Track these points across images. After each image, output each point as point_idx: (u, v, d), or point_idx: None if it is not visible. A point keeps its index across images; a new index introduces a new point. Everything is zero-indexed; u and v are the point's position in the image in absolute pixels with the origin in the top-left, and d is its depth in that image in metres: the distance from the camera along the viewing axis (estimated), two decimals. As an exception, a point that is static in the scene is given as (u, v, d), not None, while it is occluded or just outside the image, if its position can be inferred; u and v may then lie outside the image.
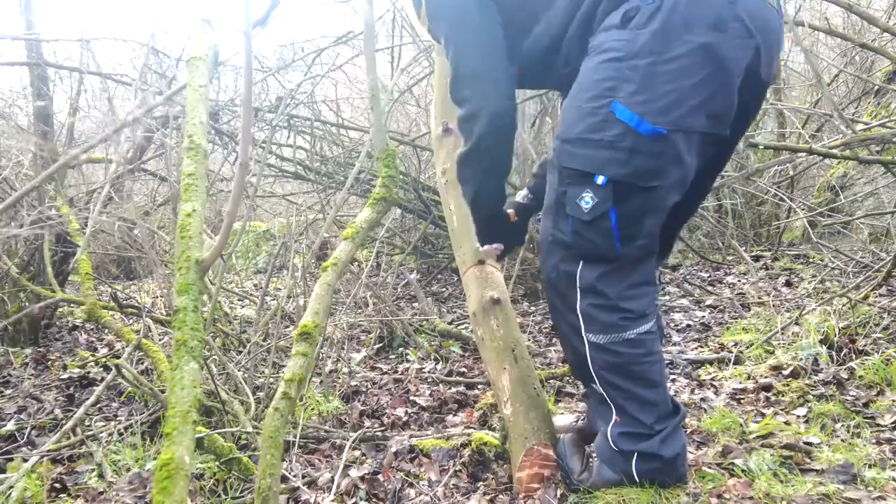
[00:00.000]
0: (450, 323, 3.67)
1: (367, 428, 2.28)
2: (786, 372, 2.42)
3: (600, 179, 1.45)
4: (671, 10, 1.38)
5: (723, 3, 1.38)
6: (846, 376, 2.31)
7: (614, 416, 1.64)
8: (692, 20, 1.37)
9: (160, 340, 2.76)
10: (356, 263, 4.16)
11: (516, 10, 1.64)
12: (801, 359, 2.47)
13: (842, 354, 2.48)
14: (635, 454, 1.63)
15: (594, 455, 1.74)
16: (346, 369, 2.94)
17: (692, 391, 2.41)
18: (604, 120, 1.44)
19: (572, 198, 1.51)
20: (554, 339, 3.35)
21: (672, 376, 2.58)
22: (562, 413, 2.18)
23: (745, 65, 1.44)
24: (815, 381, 2.29)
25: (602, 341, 1.58)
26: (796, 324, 2.84)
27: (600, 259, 1.55)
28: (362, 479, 1.85)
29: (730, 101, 1.46)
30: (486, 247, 1.89)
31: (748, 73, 1.45)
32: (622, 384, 1.60)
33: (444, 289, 4.87)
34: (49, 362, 3.26)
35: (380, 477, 1.87)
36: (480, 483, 1.82)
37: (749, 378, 2.44)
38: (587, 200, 1.48)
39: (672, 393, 1.98)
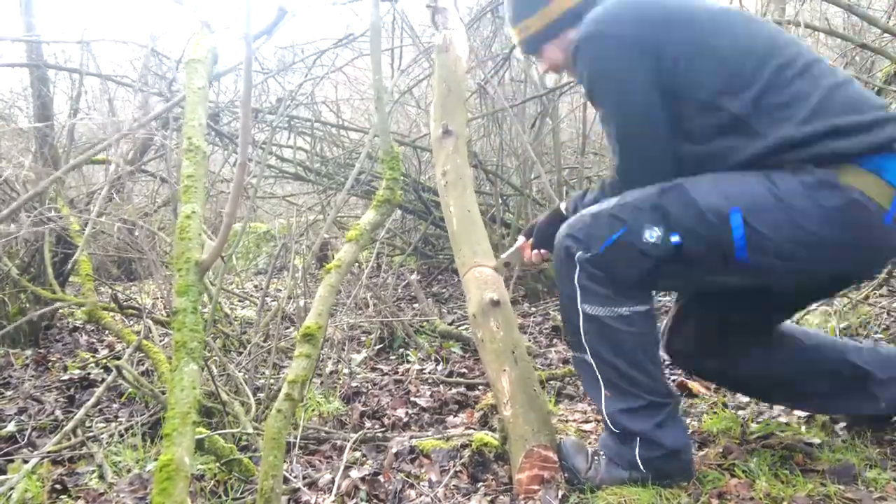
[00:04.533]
0: (450, 324, 3.67)
1: (368, 429, 2.28)
2: (786, 372, 2.41)
3: (675, 238, 1.52)
4: (838, 200, 1.43)
5: (867, 224, 1.44)
6: (847, 377, 2.31)
7: (604, 391, 1.67)
8: (842, 219, 1.43)
9: (161, 341, 2.76)
10: (357, 264, 4.16)
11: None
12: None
13: (842, 355, 2.47)
14: (637, 439, 1.65)
15: (601, 453, 1.74)
16: (346, 370, 2.94)
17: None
18: (718, 208, 1.49)
19: (641, 220, 1.55)
20: (555, 340, 3.35)
21: (672, 376, 2.58)
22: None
23: (843, 272, 1.62)
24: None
25: (596, 313, 1.62)
26: (796, 324, 2.83)
27: (603, 268, 1.62)
28: (363, 479, 1.85)
29: (793, 284, 1.67)
30: (536, 252, 1.99)
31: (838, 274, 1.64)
32: (611, 359, 1.64)
33: (444, 289, 4.87)
34: (49, 363, 3.26)
35: (380, 478, 1.87)
36: (481, 484, 1.82)
37: (749, 378, 2.43)
38: (653, 235, 1.54)
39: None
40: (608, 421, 1.69)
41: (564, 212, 1.88)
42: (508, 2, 1.87)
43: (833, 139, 1.44)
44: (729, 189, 1.51)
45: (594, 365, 1.67)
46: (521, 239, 2.07)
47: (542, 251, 1.98)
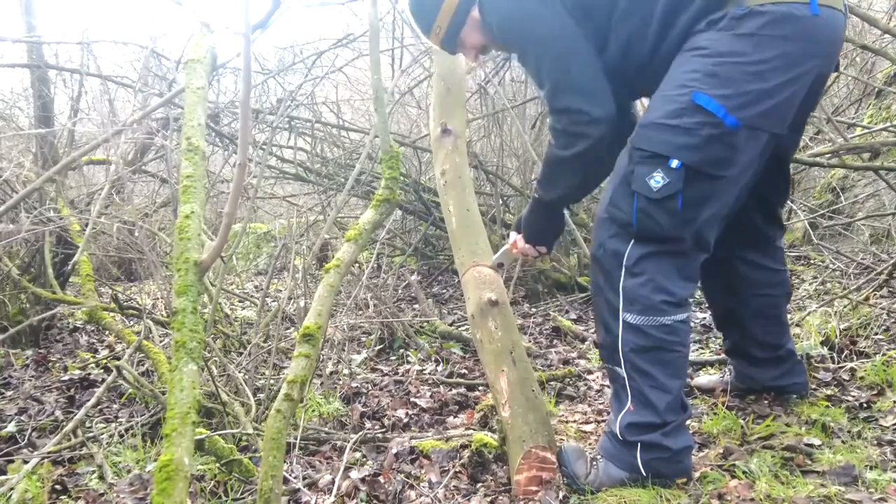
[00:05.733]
0: (450, 324, 3.66)
1: (368, 429, 2.28)
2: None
3: (674, 163, 1.53)
4: (760, 19, 1.48)
5: (806, 23, 1.48)
6: (847, 377, 2.31)
7: (628, 405, 1.67)
8: (777, 32, 1.48)
9: (161, 342, 2.76)
10: (357, 265, 4.17)
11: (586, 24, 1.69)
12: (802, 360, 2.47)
13: (843, 356, 2.47)
14: (639, 444, 1.66)
15: (600, 456, 1.74)
16: (346, 371, 2.94)
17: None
18: (683, 107, 1.52)
19: (640, 176, 1.57)
20: (555, 341, 3.35)
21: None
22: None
23: (815, 75, 1.57)
24: (816, 382, 2.29)
25: (638, 322, 1.62)
26: (797, 325, 2.83)
27: (655, 239, 1.60)
28: (363, 480, 1.85)
29: (794, 106, 1.60)
30: (527, 246, 2.00)
31: (814, 78, 1.60)
32: (647, 368, 1.64)
33: (444, 290, 4.86)
34: (50, 364, 3.26)
35: (380, 478, 1.87)
36: (480, 485, 1.82)
37: (750, 379, 2.43)
38: (657, 180, 1.55)
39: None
40: (617, 430, 1.69)
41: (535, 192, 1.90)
42: (414, 16, 1.97)
43: None
44: (673, 88, 1.56)
45: (626, 377, 1.67)
46: (512, 235, 2.07)
47: (538, 247, 2.00)
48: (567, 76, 1.65)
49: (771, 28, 1.48)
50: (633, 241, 1.62)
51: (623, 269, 1.63)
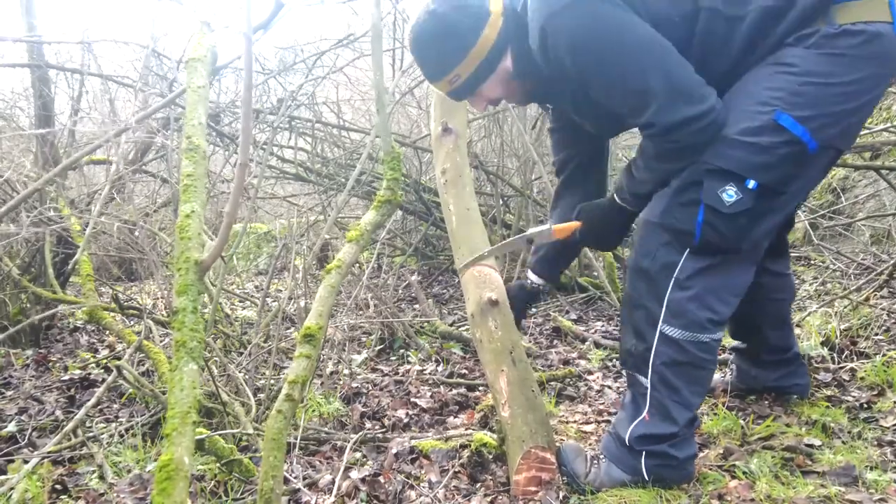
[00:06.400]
0: (451, 324, 3.66)
1: (368, 430, 2.28)
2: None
3: (751, 184, 1.48)
4: (853, 39, 1.43)
5: (889, 42, 1.44)
6: (847, 378, 2.31)
7: (644, 414, 1.66)
8: (868, 52, 1.44)
9: (161, 342, 2.76)
10: (357, 265, 4.16)
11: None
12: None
13: (843, 356, 2.47)
14: (644, 451, 1.66)
15: (602, 456, 1.74)
16: (346, 371, 2.94)
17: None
18: (762, 125, 1.47)
19: (712, 189, 1.50)
20: (555, 341, 3.35)
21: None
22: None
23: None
24: (816, 383, 2.29)
25: (677, 336, 1.59)
26: (798, 325, 2.83)
27: (714, 251, 1.56)
28: (363, 480, 1.85)
29: (863, 123, 1.61)
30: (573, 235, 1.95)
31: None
32: (676, 383, 1.62)
33: (444, 290, 4.86)
34: (50, 364, 3.26)
35: (380, 478, 1.87)
36: (479, 484, 1.82)
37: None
38: (731, 194, 1.49)
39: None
40: (626, 436, 1.68)
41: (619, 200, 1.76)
42: (426, 56, 1.71)
43: None
44: (752, 104, 1.49)
45: (650, 387, 1.65)
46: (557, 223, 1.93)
47: (598, 248, 2.03)
48: (671, 82, 1.48)
49: (863, 48, 1.44)
50: (687, 252, 1.56)
51: (672, 281, 1.58)
